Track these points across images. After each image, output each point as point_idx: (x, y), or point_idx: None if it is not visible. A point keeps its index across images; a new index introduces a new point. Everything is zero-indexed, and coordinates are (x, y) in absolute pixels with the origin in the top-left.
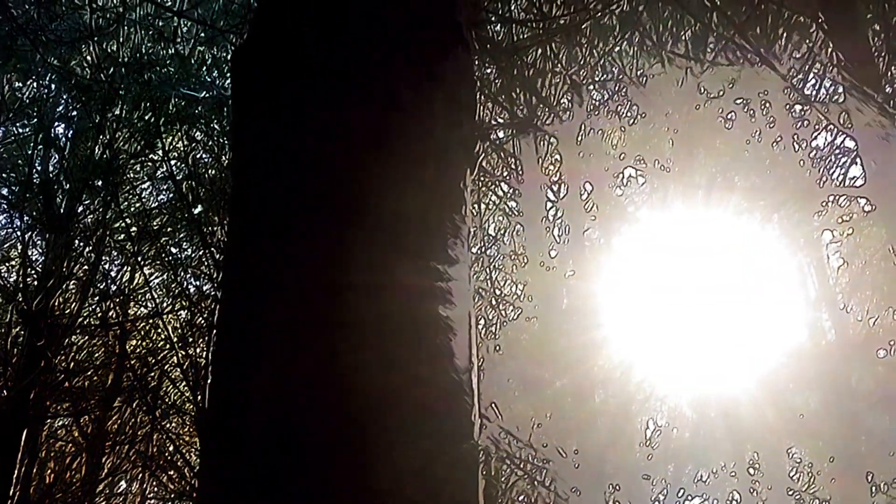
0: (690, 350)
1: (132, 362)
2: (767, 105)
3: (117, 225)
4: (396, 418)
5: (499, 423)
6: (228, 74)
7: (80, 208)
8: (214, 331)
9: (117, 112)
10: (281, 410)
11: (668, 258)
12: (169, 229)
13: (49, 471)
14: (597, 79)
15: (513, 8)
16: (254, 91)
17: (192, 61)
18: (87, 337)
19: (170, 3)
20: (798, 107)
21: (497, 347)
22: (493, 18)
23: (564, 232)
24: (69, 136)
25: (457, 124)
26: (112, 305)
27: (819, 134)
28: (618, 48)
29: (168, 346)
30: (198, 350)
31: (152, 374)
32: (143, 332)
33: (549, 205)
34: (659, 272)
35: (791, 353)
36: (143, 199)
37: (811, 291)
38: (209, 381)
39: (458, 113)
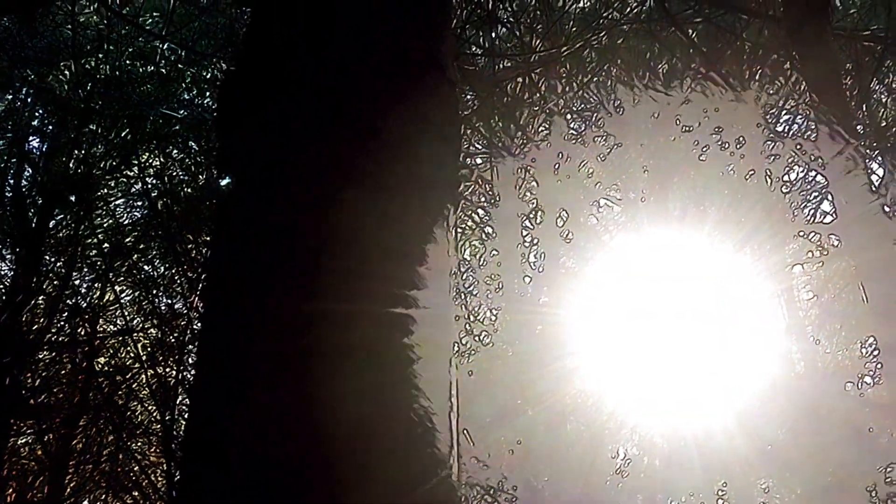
0: (662, 379)
1: (99, 380)
2: (741, 139)
3: (89, 241)
4: (372, 448)
5: (471, 450)
6: (207, 93)
7: (52, 223)
8: (190, 354)
9: (94, 128)
10: (258, 441)
11: (640, 287)
12: (142, 246)
13: (11, 490)
14: (574, 109)
15: (494, 38)
16: (238, 118)
17: (171, 80)
18: (54, 353)
19: (150, 23)
20: (770, 142)
21: (470, 372)
22: (475, 51)
23: (539, 259)
24: (44, 150)
25: (442, 162)
26: (81, 322)
27: (791, 169)
28: (595, 79)
29: (137, 364)
30: (167, 369)
31: (120, 392)
32: (111, 350)
33: (525, 231)
34: (632, 301)
35: (762, 383)
36: (117, 216)
37: (782, 321)
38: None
39: (443, 151)
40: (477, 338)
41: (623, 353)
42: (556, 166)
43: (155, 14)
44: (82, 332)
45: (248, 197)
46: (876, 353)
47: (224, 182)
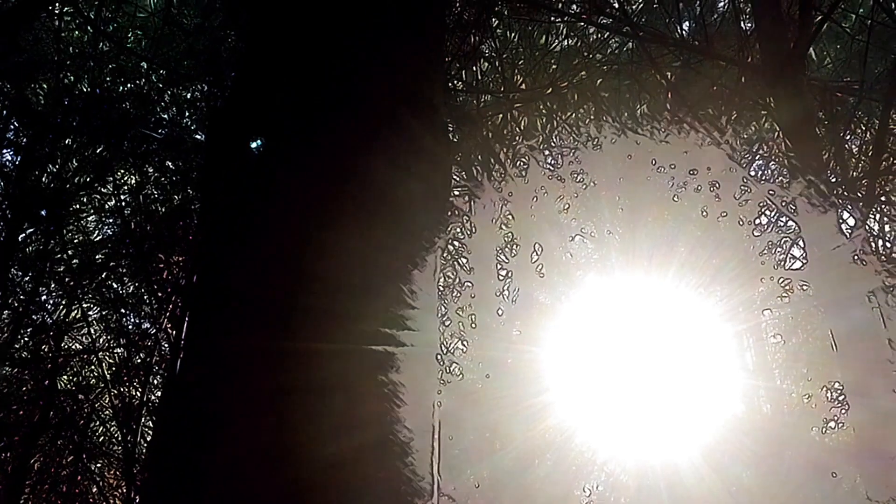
0: (631, 417)
1: (61, 399)
2: (716, 183)
3: (59, 256)
4: (348, 486)
5: (441, 486)
6: (187, 114)
7: (21, 237)
8: (156, 375)
9: (69, 143)
10: (232, 479)
11: (611, 324)
12: (112, 264)
13: None
14: (553, 145)
15: (476, 74)
16: (225, 153)
17: (151, 99)
18: (16, 370)
19: (132, 41)
20: (744, 186)
21: (439, 403)
22: (459, 87)
23: (513, 292)
24: (17, 162)
25: (432, 207)
26: (45, 339)
27: (762, 213)
28: (574, 116)
29: (101, 384)
30: (132, 390)
31: (81, 412)
32: (75, 369)
33: (499, 265)
34: (602, 338)
35: (729, 423)
36: (88, 232)
37: (749, 361)
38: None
39: (434, 194)
40: (448, 371)
41: (593, 391)
42: (535, 199)
43: (138, 32)
44: (46, 350)
45: (226, 234)
46: (841, 397)
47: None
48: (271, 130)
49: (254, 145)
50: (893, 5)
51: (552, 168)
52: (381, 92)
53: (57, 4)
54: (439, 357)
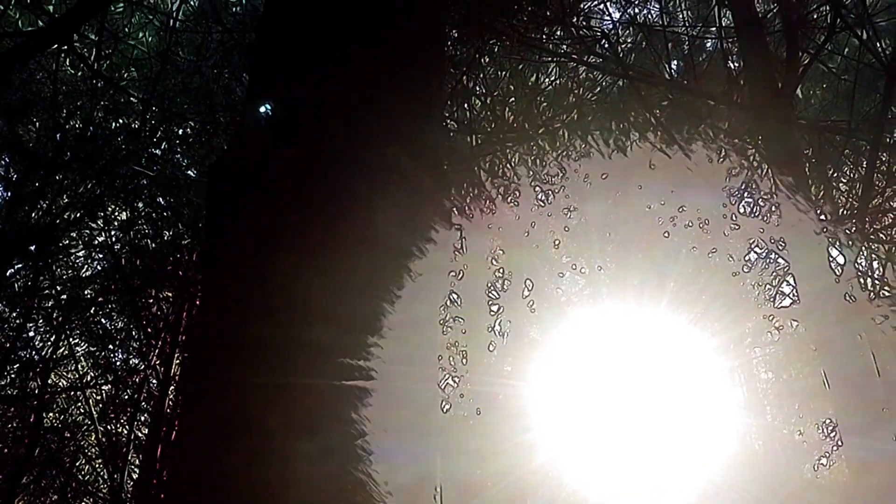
0: (623, 455)
1: (47, 436)
2: (706, 220)
3: (47, 292)
4: None
5: None
6: (179, 151)
7: (10, 272)
8: (144, 412)
9: (60, 178)
10: None
11: (602, 359)
12: (100, 299)
13: None
14: (544, 181)
15: (468, 112)
16: (223, 206)
17: (143, 136)
18: (2, 407)
19: (126, 78)
20: (733, 223)
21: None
22: (452, 125)
23: (505, 328)
24: (7, 197)
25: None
26: (33, 376)
27: (753, 250)
28: (565, 153)
29: (87, 421)
30: (118, 427)
31: (67, 450)
32: (62, 405)
33: (490, 300)
34: (593, 373)
35: (722, 461)
36: (77, 267)
37: (740, 397)
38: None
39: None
40: (440, 407)
41: (585, 428)
42: (526, 234)
43: (132, 70)
44: (33, 386)
45: (208, 270)
46: (833, 434)
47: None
48: (271, 179)
49: (262, 109)
50: (879, 45)
51: (543, 204)
52: (383, 140)
53: (55, 45)
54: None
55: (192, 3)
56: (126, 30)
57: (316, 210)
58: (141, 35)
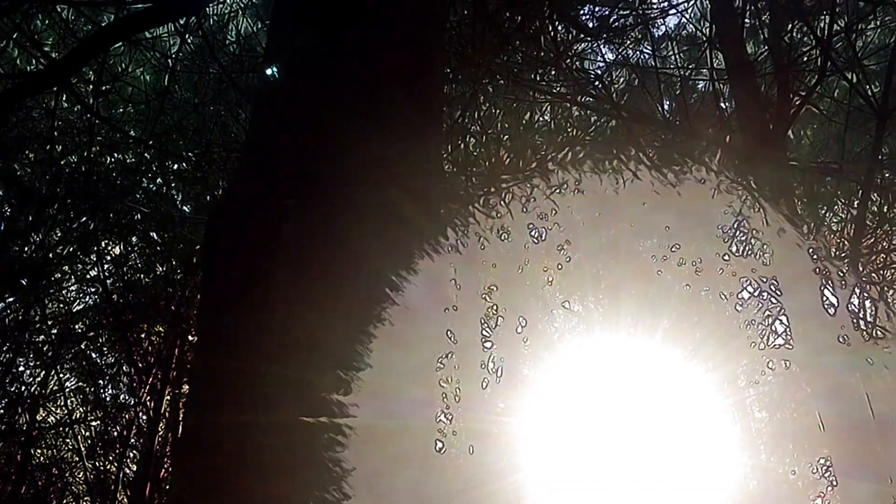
0: (616, 491)
1: (34, 473)
2: (698, 260)
3: (38, 326)
4: None
5: None
6: (174, 187)
7: (1, 306)
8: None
9: (53, 212)
10: None
11: (594, 396)
12: (91, 334)
13: None
14: (537, 217)
15: (462, 150)
16: (221, 251)
17: (139, 172)
18: None
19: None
20: (725, 261)
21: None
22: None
23: (498, 366)
24: None
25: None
26: (21, 411)
27: (745, 289)
28: (558, 192)
29: (75, 457)
30: (107, 464)
31: (55, 487)
32: (50, 441)
33: (483, 336)
34: (587, 410)
35: (715, 498)
36: (69, 301)
37: (734, 436)
38: None
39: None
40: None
41: (580, 467)
42: (519, 269)
43: (129, 106)
44: (21, 422)
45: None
46: (828, 474)
47: None
48: (268, 224)
49: (269, 72)
50: (869, 87)
51: (536, 240)
52: (380, 185)
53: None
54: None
55: (189, 44)
56: (122, 67)
57: (314, 258)
58: (138, 72)
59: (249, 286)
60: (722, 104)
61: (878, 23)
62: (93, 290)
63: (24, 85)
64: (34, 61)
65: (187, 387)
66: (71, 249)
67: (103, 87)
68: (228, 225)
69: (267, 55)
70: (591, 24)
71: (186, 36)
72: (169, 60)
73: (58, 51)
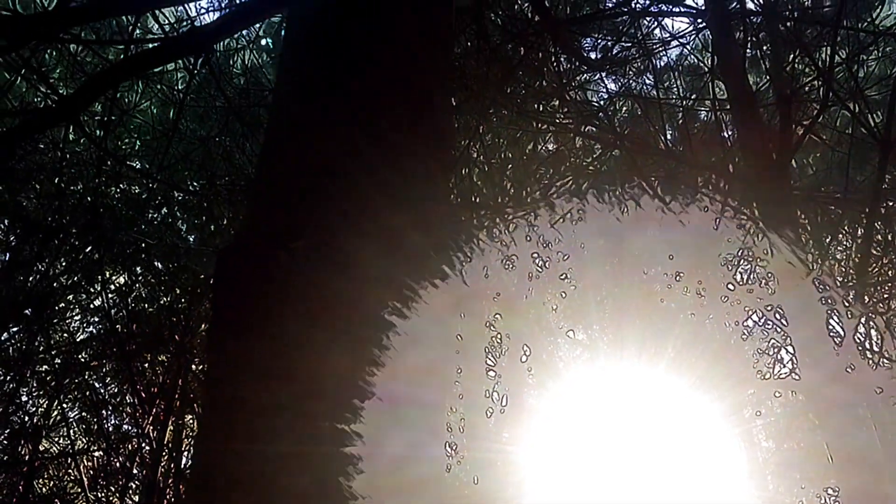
0: None
1: None
2: (703, 289)
3: (41, 356)
4: None
5: None
6: (180, 217)
7: (5, 336)
8: (136, 479)
9: (58, 242)
10: None
11: (599, 425)
12: (94, 363)
13: None
14: (542, 245)
15: (467, 181)
16: (230, 289)
17: (144, 203)
18: None
19: (127, 144)
20: (730, 290)
21: None
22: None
23: (503, 396)
24: (4, 261)
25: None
26: (24, 442)
27: (750, 317)
28: (562, 221)
29: (78, 489)
30: (109, 496)
31: None
32: (53, 472)
33: (489, 366)
34: (590, 439)
35: None
36: (72, 330)
37: (742, 465)
38: None
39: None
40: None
41: (584, 497)
42: (524, 298)
43: (135, 138)
44: (23, 452)
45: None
46: None
47: None
48: (276, 265)
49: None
50: (871, 117)
51: (541, 269)
52: (388, 215)
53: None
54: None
55: (197, 77)
56: (129, 99)
57: (321, 291)
58: (145, 104)
59: (259, 322)
60: (725, 134)
61: (880, 53)
62: (97, 319)
63: (33, 121)
64: (42, 97)
65: (191, 418)
66: (76, 279)
67: (110, 121)
68: (238, 264)
69: (276, 90)
70: (593, 55)
71: (195, 70)
72: (176, 92)
73: (66, 84)
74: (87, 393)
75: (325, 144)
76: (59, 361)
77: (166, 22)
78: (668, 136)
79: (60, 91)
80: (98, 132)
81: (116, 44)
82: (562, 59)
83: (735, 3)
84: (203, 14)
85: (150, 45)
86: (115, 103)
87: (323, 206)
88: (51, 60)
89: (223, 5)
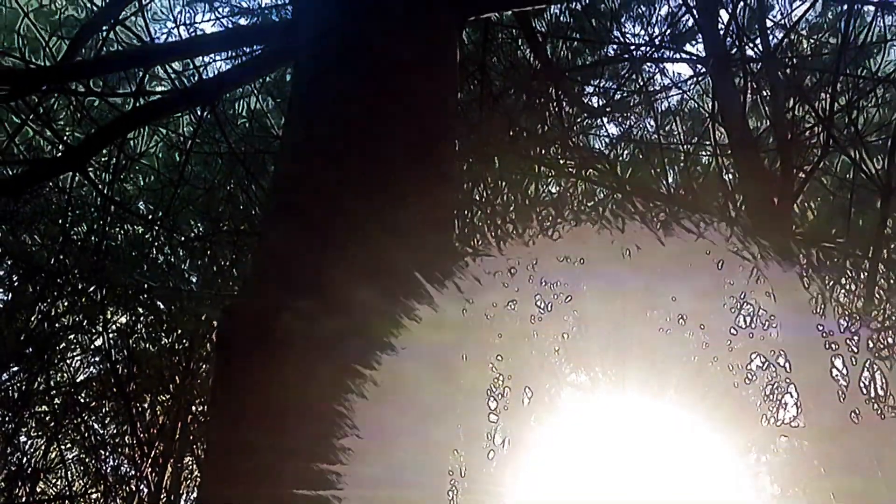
0: None
1: None
2: (705, 330)
3: (41, 397)
4: None
5: None
6: (183, 259)
7: (5, 376)
8: None
9: (60, 282)
10: None
11: (601, 469)
12: (94, 404)
13: None
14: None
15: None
16: (232, 357)
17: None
18: None
19: (131, 186)
20: (733, 334)
21: None
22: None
23: (505, 434)
24: (7, 301)
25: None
26: (22, 484)
27: (753, 361)
28: (563, 262)
29: None
30: None
31: None
32: None
33: (489, 407)
34: (591, 483)
35: None
36: (72, 371)
37: None
38: None
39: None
40: None
41: None
42: (526, 339)
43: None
44: (21, 494)
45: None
46: None
47: None
48: (279, 325)
49: None
50: (872, 163)
51: (542, 310)
52: (392, 257)
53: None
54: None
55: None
56: (134, 143)
57: (328, 366)
58: (151, 147)
59: (261, 381)
60: (727, 177)
61: (880, 100)
62: (97, 359)
63: (40, 170)
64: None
65: (190, 460)
66: (77, 319)
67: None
68: (243, 323)
69: (282, 143)
70: (595, 99)
71: (201, 119)
72: (181, 138)
73: (72, 128)
74: (86, 434)
75: (331, 198)
76: (58, 402)
77: (173, 71)
78: (670, 180)
79: (67, 134)
80: (104, 176)
81: (124, 96)
82: (564, 106)
83: (735, 50)
84: (210, 64)
85: (158, 96)
86: (122, 150)
87: (329, 260)
88: (58, 107)
89: (230, 56)
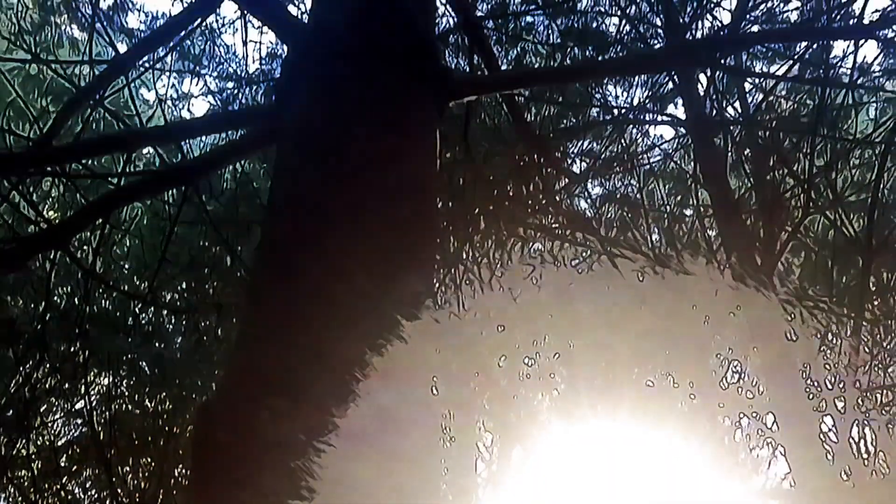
0: None
1: None
2: (695, 390)
3: (20, 462)
4: None
5: None
6: (165, 319)
7: None
8: None
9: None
10: None
11: None
12: (75, 469)
13: None
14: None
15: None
16: (209, 454)
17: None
18: None
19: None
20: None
21: None
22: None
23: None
24: None
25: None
26: None
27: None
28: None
29: None
30: None
31: None
32: None
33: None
34: None
35: None
36: (53, 434)
37: None
38: None
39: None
40: None
41: None
42: (514, 397)
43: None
44: None
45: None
46: None
47: None
48: (258, 432)
49: None
50: (852, 222)
51: (529, 365)
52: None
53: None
54: None
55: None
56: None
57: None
58: (135, 218)
59: (237, 476)
60: (710, 236)
61: (858, 161)
62: (79, 422)
63: (22, 248)
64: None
65: None
66: (56, 381)
67: (100, 247)
68: (218, 421)
69: (263, 227)
70: (579, 160)
71: (184, 199)
72: (165, 213)
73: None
74: (67, 498)
75: (314, 288)
76: (37, 466)
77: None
78: (654, 239)
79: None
80: (89, 243)
81: (106, 176)
82: (546, 170)
83: (714, 113)
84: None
85: (140, 178)
86: (106, 226)
87: (304, 354)
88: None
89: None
